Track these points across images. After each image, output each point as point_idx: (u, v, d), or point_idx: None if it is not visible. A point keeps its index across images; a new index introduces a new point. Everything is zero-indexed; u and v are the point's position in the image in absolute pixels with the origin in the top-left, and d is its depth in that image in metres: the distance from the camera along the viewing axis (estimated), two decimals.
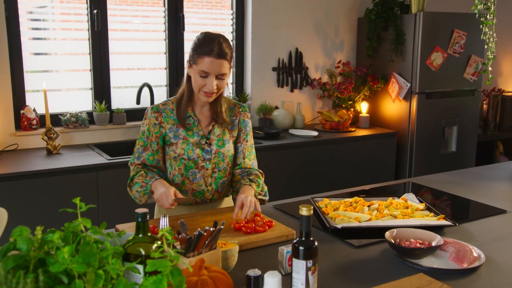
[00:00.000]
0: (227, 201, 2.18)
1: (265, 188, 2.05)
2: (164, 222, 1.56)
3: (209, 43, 1.85)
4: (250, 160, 2.09)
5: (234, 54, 4.08)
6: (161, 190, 1.82)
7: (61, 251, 1.03)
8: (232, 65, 1.95)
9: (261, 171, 2.12)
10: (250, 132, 2.10)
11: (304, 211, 1.26)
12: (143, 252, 1.16)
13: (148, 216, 1.21)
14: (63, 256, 1.03)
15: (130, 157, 2.39)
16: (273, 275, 1.21)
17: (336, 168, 3.87)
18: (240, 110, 2.08)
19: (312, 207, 1.27)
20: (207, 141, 1.99)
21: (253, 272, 1.24)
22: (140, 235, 1.20)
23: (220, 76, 1.88)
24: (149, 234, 1.21)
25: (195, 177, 2.00)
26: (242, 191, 1.91)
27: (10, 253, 1.06)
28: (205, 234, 1.33)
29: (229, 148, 2.03)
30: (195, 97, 1.99)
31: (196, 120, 2.00)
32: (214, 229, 1.37)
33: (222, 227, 1.39)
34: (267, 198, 2.05)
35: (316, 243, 1.27)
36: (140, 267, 1.15)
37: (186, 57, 1.98)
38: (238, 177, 2.08)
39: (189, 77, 1.95)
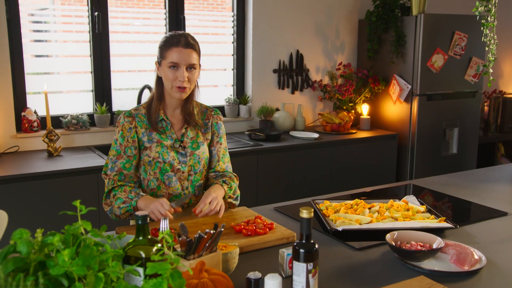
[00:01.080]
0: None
1: (238, 192, 2.04)
2: (164, 225, 1.56)
3: (176, 36, 1.89)
4: (225, 163, 2.08)
5: (234, 57, 4.09)
6: (153, 203, 1.77)
7: (61, 253, 1.03)
8: (200, 62, 1.95)
9: (236, 175, 2.10)
10: (223, 135, 2.10)
11: (304, 213, 1.26)
12: (143, 255, 1.16)
13: (148, 219, 1.20)
14: (63, 259, 1.02)
15: None
16: (274, 277, 1.21)
17: (337, 170, 3.87)
18: (213, 113, 2.08)
19: (312, 210, 1.27)
20: (181, 144, 1.98)
21: (254, 274, 1.24)
22: (141, 238, 1.20)
23: (190, 67, 1.89)
24: (149, 237, 1.21)
25: (171, 181, 1.98)
26: (213, 190, 1.88)
27: (10, 256, 1.06)
28: (206, 236, 1.33)
29: (203, 150, 2.03)
30: (166, 98, 1.98)
31: (169, 123, 1.99)
32: (214, 231, 1.36)
33: (222, 229, 1.39)
34: (237, 202, 2.03)
35: (316, 246, 1.27)
36: (141, 270, 1.15)
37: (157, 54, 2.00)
38: (212, 180, 2.07)
39: (159, 79, 1.96)
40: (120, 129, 1.95)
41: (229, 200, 1.98)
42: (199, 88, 2.02)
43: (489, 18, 2.74)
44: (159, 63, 1.93)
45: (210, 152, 2.08)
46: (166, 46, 1.89)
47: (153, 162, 1.95)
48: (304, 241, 1.26)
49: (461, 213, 2.21)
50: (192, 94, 1.98)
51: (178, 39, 1.88)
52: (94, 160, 3.03)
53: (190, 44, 1.89)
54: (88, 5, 3.45)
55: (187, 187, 2.01)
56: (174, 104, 1.99)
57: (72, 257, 1.05)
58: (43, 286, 1.01)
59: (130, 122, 1.95)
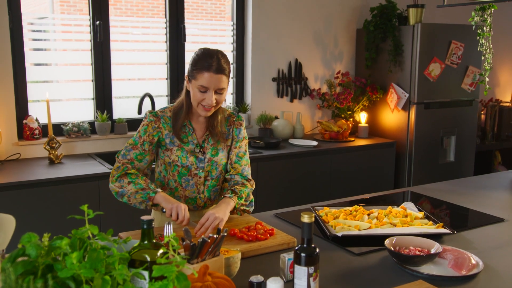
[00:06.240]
0: None
1: (251, 197, 2.06)
2: (168, 229, 1.59)
3: (208, 59, 1.89)
4: (241, 165, 2.10)
5: (234, 65, 4.13)
6: (176, 203, 1.83)
7: (69, 256, 1.05)
8: (229, 79, 1.99)
9: (251, 179, 2.12)
10: (242, 140, 2.11)
11: (305, 218, 1.29)
12: (148, 258, 1.19)
13: (153, 223, 1.23)
14: (71, 262, 1.05)
15: None
16: (276, 281, 1.24)
17: (335, 177, 3.90)
18: (234, 119, 2.12)
19: (313, 215, 1.30)
20: (201, 150, 2.03)
21: (256, 278, 1.27)
22: (146, 242, 1.23)
23: (218, 91, 1.92)
24: (154, 241, 1.23)
25: (188, 184, 2.03)
26: (217, 206, 1.92)
27: (19, 259, 1.09)
28: (209, 241, 1.36)
29: (222, 157, 2.07)
30: (193, 109, 2.02)
31: (192, 129, 2.03)
32: (217, 236, 1.39)
33: (225, 234, 1.42)
34: (251, 208, 2.06)
35: (317, 250, 1.30)
36: (146, 273, 1.18)
37: (187, 67, 2.01)
38: (226, 185, 2.10)
39: (187, 91, 1.99)
40: (145, 123, 2.00)
41: (242, 208, 2.01)
42: (225, 99, 2.05)
43: (484, 28, 2.79)
44: (189, 79, 1.96)
45: (228, 155, 2.11)
46: (197, 67, 1.90)
47: (172, 164, 2.01)
48: (305, 245, 1.29)
49: (458, 219, 2.24)
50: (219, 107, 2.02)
51: (210, 63, 1.88)
52: (95, 168, 3.06)
53: (222, 69, 1.90)
54: (89, 14, 3.49)
55: (203, 191, 2.06)
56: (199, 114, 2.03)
57: (79, 260, 1.07)
58: None
59: (155, 121, 2.00)
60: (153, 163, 2.10)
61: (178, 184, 2.03)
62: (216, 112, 2.03)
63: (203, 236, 1.35)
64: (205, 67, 1.88)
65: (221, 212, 1.85)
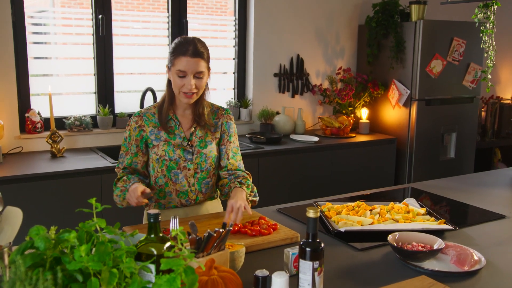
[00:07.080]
0: (214, 204, 2.20)
1: (255, 188, 2.08)
2: (174, 223, 1.60)
3: (185, 44, 1.92)
4: (236, 161, 2.11)
5: (236, 60, 4.13)
6: (128, 192, 1.88)
7: (78, 249, 1.06)
8: (210, 66, 2.00)
9: (248, 172, 2.14)
10: (234, 134, 2.13)
11: (311, 213, 1.29)
12: (155, 252, 1.20)
13: (160, 217, 1.24)
14: (79, 255, 1.06)
15: None
16: (281, 275, 1.24)
17: (336, 173, 3.91)
18: (223, 113, 2.11)
19: (318, 210, 1.30)
20: (189, 143, 2.03)
21: (261, 272, 1.28)
22: (152, 236, 1.23)
23: (197, 75, 1.92)
24: (160, 235, 1.24)
25: (178, 178, 2.03)
26: (233, 195, 1.92)
27: (26, 252, 1.09)
28: (215, 235, 1.37)
29: (211, 149, 2.06)
30: (176, 100, 2.03)
31: (178, 123, 2.03)
32: (223, 230, 1.40)
33: (231, 228, 1.43)
34: (257, 198, 2.08)
35: (322, 245, 1.31)
36: (152, 267, 1.18)
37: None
38: (225, 180, 2.09)
39: (169, 82, 2.00)
40: (128, 128, 2.05)
41: (250, 198, 2.01)
42: (209, 90, 2.06)
43: (487, 25, 2.79)
44: (169, 67, 1.97)
45: (220, 150, 2.11)
46: (174, 53, 1.92)
47: (160, 159, 2.01)
48: (310, 240, 1.30)
49: (459, 216, 2.25)
50: (202, 96, 2.02)
51: (186, 48, 1.90)
52: (97, 161, 3.06)
53: (198, 53, 1.91)
54: (92, 8, 3.48)
55: (193, 184, 2.05)
56: (184, 105, 2.03)
57: (87, 253, 1.08)
58: (61, 280, 1.04)
59: (136, 122, 2.03)
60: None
61: (168, 179, 2.03)
62: (201, 101, 2.03)
63: (208, 230, 1.36)
64: (181, 52, 1.90)
65: (240, 199, 1.87)
